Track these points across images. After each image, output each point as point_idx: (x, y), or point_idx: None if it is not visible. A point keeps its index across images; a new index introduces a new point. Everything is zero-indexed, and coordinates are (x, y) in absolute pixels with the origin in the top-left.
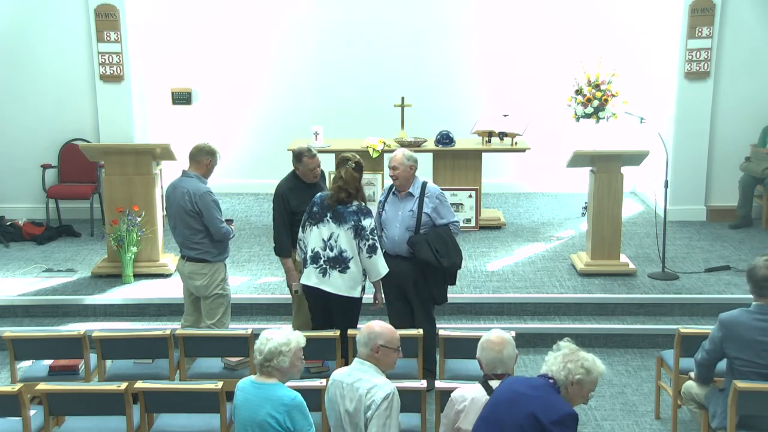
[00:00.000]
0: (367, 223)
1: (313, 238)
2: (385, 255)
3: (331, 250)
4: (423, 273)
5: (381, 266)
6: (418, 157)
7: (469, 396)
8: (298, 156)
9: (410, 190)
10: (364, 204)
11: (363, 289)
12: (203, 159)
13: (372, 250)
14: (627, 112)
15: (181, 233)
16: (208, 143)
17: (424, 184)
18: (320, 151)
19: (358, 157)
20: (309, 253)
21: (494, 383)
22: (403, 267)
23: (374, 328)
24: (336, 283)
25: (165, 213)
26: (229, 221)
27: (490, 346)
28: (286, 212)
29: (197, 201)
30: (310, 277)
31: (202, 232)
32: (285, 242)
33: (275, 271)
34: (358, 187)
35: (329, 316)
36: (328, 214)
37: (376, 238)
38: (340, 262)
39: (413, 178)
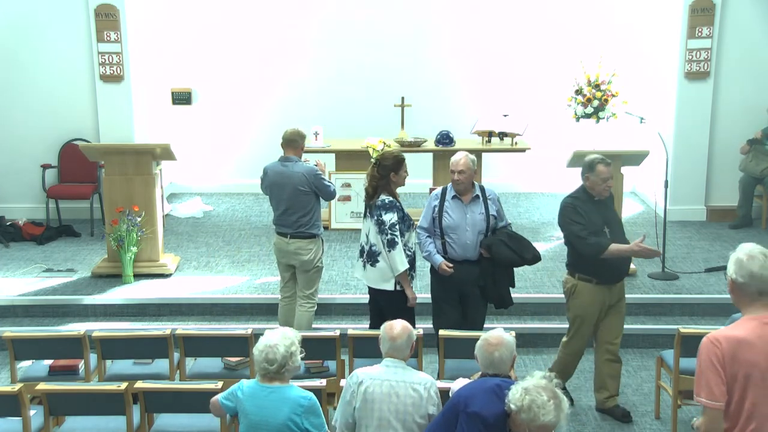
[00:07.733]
0: (387, 217)
1: (363, 232)
2: (450, 260)
3: (368, 244)
4: (493, 276)
5: (399, 262)
6: (418, 158)
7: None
8: (590, 164)
9: (476, 192)
10: (389, 199)
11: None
12: (301, 142)
13: (391, 244)
14: (627, 112)
15: (295, 214)
16: (297, 128)
17: (482, 188)
18: (320, 151)
19: (388, 153)
20: (359, 248)
21: None
22: (471, 271)
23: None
24: (370, 276)
25: (270, 198)
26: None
27: (485, 346)
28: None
29: (313, 180)
30: (357, 270)
31: (313, 208)
32: (602, 242)
33: (275, 271)
34: (376, 185)
35: (382, 313)
36: (369, 210)
37: (396, 233)
38: (372, 256)
39: None
